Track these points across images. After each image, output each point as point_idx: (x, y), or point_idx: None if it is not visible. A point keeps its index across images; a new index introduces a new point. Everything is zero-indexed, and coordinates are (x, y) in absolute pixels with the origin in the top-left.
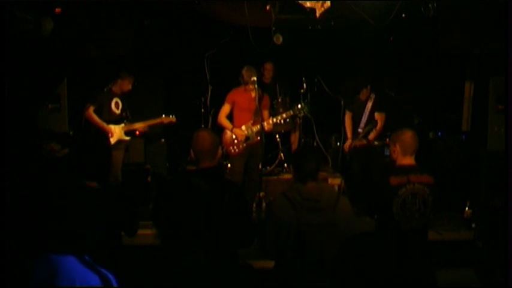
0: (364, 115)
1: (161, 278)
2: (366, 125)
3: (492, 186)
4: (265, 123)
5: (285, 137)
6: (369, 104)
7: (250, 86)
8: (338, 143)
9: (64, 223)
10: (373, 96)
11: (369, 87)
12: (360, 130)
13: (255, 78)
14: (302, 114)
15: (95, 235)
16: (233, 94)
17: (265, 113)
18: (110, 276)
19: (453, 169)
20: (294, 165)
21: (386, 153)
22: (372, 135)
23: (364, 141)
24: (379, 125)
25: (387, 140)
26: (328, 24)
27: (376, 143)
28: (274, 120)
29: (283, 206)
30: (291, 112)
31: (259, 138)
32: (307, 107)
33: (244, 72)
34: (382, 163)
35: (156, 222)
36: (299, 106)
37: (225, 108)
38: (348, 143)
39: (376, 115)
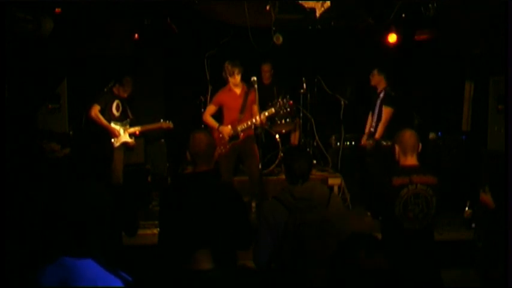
0: (375, 112)
1: (162, 279)
2: (376, 123)
3: (492, 186)
4: (257, 118)
5: (285, 137)
6: (378, 102)
7: (234, 81)
8: (338, 143)
9: (76, 224)
10: (383, 92)
11: (381, 75)
12: (371, 129)
13: (255, 78)
14: (285, 110)
15: (107, 236)
16: (219, 95)
17: (254, 107)
18: (130, 279)
19: (453, 169)
20: (284, 167)
21: None
22: (377, 134)
23: (371, 142)
24: (383, 119)
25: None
26: (328, 24)
27: (384, 143)
28: (267, 113)
29: (276, 209)
30: (273, 110)
31: (243, 136)
32: (286, 101)
33: (225, 66)
34: (386, 164)
35: (162, 224)
36: (280, 103)
37: (210, 109)
38: (363, 138)
39: (383, 109)
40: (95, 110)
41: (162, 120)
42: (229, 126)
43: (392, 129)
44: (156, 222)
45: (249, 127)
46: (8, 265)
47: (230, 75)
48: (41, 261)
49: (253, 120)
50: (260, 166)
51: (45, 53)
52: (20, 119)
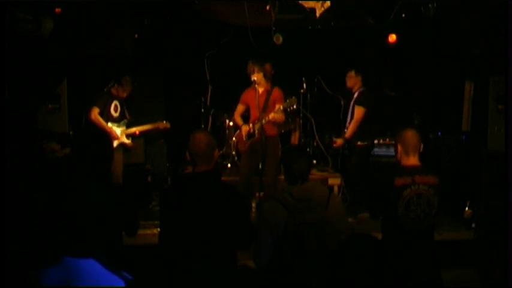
0: (349, 112)
1: (163, 279)
2: (349, 123)
3: (492, 186)
4: (270, 115)
5: (285, 137)
6: (352, 102)
7: (254, 79)
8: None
9: (77, 224)
10: (357, 93)
11: (358, 76)
12: (345, 130)
13: (255, 78)
14: (293, 108)
15: (108, 235)
16: (244, 94)
17: (278, 106)
18: (132, 279)
19: (453, 169)
20: (283, 167)
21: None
22: (347, 133)
23: (340, 140)
24: (354, 118)
25: (387, 139)
26: (328, 24)
27: (360, 143)
28: (281, 107)
29: (276, 209)
30: (281, 107)
31: (259, 136)
32: (295, 100)
33: (248, 63)
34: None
35: (162, 224)
36: (287, 101)
37: (238, 108)
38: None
39: (355, 108)
40: (95, 113)
41: (158, 120)
42: (250, 125)
43: (366, 130)
44: (156, 222)
45: (268, 126)
46: (8, 265)
47: (251, 74)
48: (41, 261)
49: (267, 118)
50: (260, 166)
51: (45, 53)
52: (20, 119)
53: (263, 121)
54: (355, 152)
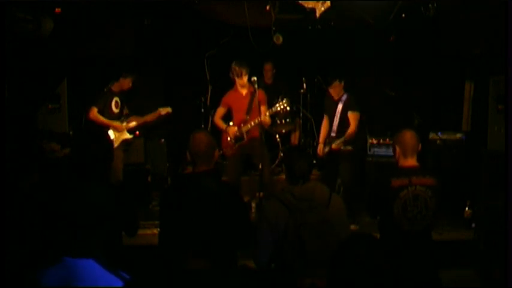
0: (335, 117)
1: (163, 279)
2: (337, 128)
3: (492, 186)
4: (261, 117)
5: (285, 137)
6: (339, 106)
7: (241, 82)
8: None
9: (77, 224)
10: (344, 97)
11: (342, 83)
12: (332, 134)
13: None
14: (285, 109)
15: (108, 235)
16: (226, 96)
17: (263, 108)
18: (131, 278)
19: (453, 169)
20: (285, 167)
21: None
22: (347, 136)
23: (326, 150)
24: (352, 125)
25: (387, 139)
26: (328, 24)
27: (349, 148)
28: (267, 113)
29: (277, 209)
30: (272, 110)
31: (250, 137)
32: (287, 101)
33: (232, 68)
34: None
35: (162, 224)
36: (280, 103)
37: (219, 111)
38: (320, 147)
39: (349, 114)
40: (93, 112)
41: (159, 108)
42: (236, 127)
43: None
44: (156, 222)
45: (253, 127)
46: (8, 265)
47: (238, 77)
48: (41, 261)
49: (256, 121)
50: (260, 166)
51: (45, 53)
52: (20, 119)
53: (252, 123)
54: (343, 158)
